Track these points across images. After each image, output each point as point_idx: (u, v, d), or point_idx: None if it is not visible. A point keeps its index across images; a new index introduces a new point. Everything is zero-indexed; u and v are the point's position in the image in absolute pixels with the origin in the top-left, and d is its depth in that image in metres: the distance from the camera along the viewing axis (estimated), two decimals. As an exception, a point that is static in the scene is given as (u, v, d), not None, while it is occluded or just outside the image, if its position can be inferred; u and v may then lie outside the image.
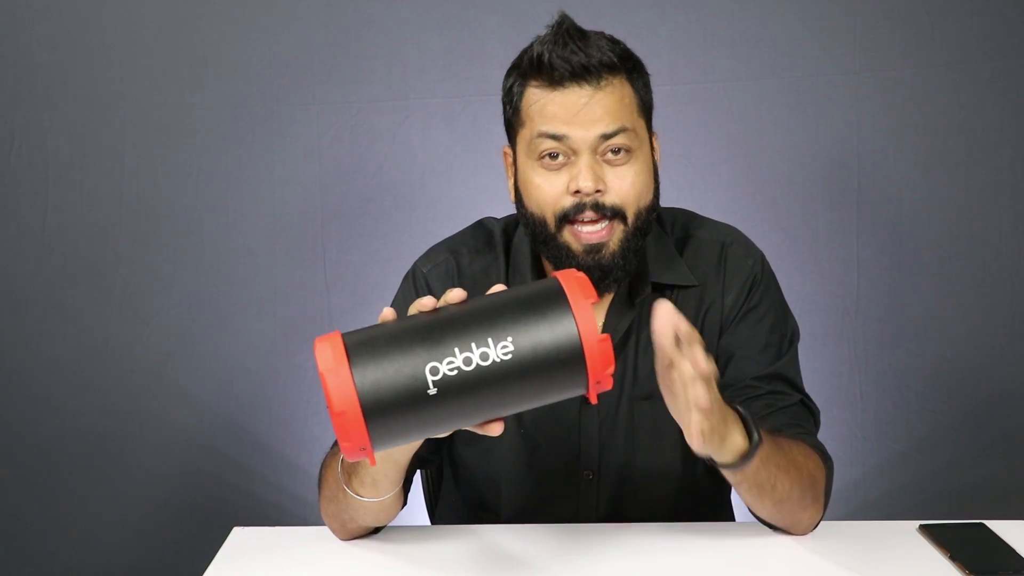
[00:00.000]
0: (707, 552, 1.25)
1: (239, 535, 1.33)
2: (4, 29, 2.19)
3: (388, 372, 0.91)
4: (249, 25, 2.18)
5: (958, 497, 2.21)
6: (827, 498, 1.29)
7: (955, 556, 1.21)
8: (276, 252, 2.24)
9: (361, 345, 0.93)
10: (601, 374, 0.94)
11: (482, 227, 1.45)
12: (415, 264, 1.43)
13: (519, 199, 1.32)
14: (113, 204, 2.23)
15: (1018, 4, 2.11)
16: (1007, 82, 2.13)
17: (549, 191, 1.27)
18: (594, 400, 0.97)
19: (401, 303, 1.41)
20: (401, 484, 1.22)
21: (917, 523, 1.30)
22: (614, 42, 1.29)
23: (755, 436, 1.12)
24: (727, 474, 1.16)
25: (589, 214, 1.26)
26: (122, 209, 2.23)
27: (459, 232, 1.46)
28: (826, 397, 2.19)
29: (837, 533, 1.30)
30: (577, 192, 1.25)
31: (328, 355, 0.92)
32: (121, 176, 2.22)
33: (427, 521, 1.59)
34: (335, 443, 1.31)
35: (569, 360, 0.93)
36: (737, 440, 1.11)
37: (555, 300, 0.94)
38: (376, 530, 1.30)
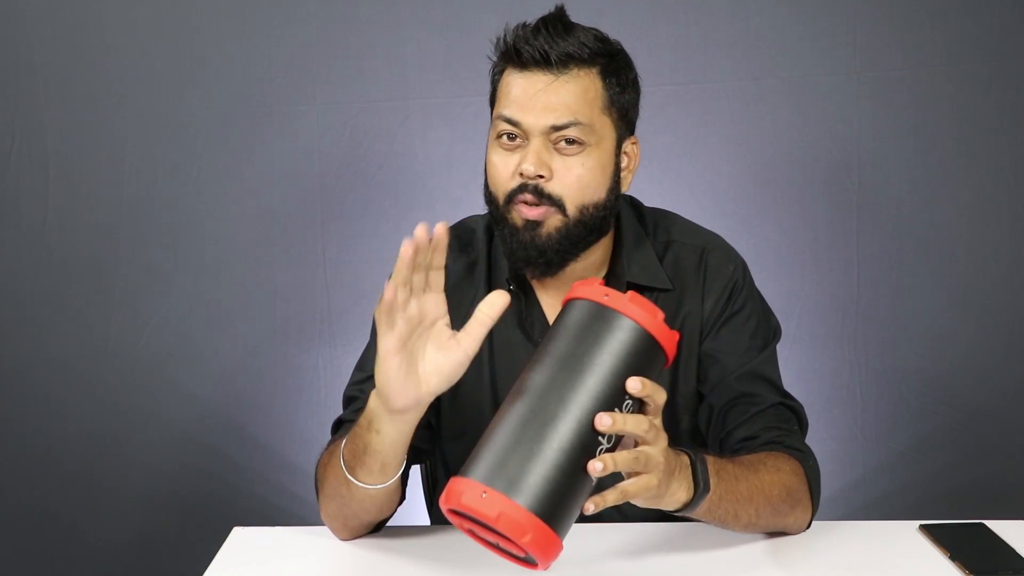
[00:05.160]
0: (706, 552, 1.25)
1: (239, 535, 1.33)
2: (4, 29, 2.19)
3: (565, 501, 0.93)
4: (249, 25, 2.18)
5: (958, 497, 2.21)
6: (815, 497, 1.28)
7: (955, 556, 1.21)
8: (276, 252, 2.24)
9: (541, 500, 0.91)
10: (663, 333, 0.98)
11: (464, 226, 1.46)
12: None
13: (484, 177, 1.36)
14: (113, 204, 2.23)
15: (1018, 4, 2.11)
16: (1007, 82, 2.13)
17: (502, 170, 1.30)
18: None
19: None
20: (404, 463, 1.21)
21: (917, 523, 1.30)
22: (601, 40, 1.30)
23: (700, 486, 1.11)
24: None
25: (528, 196, 1.29)
26: (122, 209, 2.23)
27: None
28: (826, 397, 2.20)
29: (837, 533, 1.30)
30: (522, 174, 1.28)
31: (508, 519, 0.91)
32: (121, 176, 2.22)
33: (427, 521, 1.60)
34: (330, 442, 1.31)
35: (652, 349, 0.98)
36: (679, 495, 1.09)
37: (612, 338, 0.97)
38: (377, 528, 1.31)
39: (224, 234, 2.24)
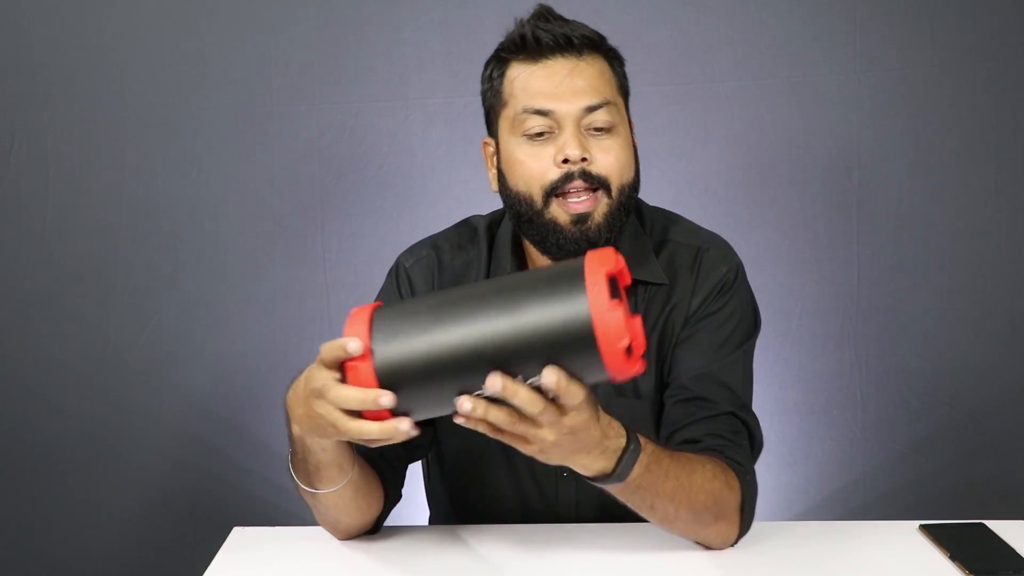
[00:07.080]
0: (705, 552, 1.25)
1: (239, 535, 1.34)
2: (4, 29, 2.19)
3: (419, 390, 0.94)
4: (249, 25, 2.18)
5: (958, 497, 2.21)
6: (745, 514, 1.25)
7: (955, 556, 1.21)
8: (276, 252, 2.24)
9: (390, 348, 0.94)
10: (614, 351, 0.90)
11: (467, 224, 1.46)
12: (398, 259, 1.44)
13: (503, 182, 1.33)
14: (113, 204, 2.23)
15: (1018, 4, 2.11)
16: (1006, 82, 2.13)
17: (535, 166, 1.27)
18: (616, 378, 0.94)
19: (385, 300, 1.41)
20: (350, 469, 1.21)
21: (917, 523, 1.30)
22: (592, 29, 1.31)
23: (614, 476, 1.09)
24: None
25: (578, 183, 1.26)
26: (122, 209, 2.23)
27: (444, 229, 1.47)
28: (826, 397, 2.20)
29: (837, 533, 1.30)
30: (565, 162, 1.25)
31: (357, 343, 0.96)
32: (121, 176, 2.22)
33: (427, 521, 1.59)
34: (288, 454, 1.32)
35: (584, 350, 0.91)
36: (592, 467, 1.08)
37: (574, 298, 0.90)
38: (376, 529, 1.31)
39: (224, 234, 2.24)
